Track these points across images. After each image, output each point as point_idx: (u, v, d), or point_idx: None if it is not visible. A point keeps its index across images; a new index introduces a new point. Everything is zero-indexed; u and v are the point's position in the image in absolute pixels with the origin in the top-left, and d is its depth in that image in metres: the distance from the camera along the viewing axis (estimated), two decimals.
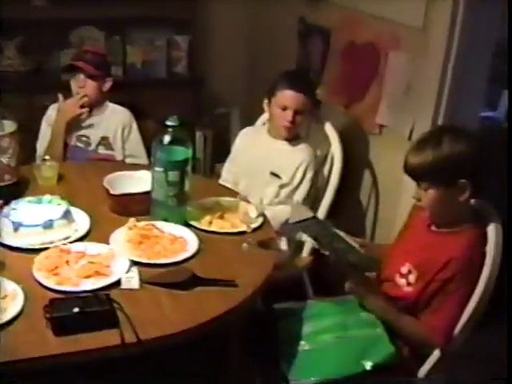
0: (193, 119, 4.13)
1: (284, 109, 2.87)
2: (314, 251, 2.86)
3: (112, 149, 3.13)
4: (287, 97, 2.86)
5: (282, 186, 2.92)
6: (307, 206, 2.69)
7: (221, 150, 3.24)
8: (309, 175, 2.91)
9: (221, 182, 3.03)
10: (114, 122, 3.13)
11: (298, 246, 3.00)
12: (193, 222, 2.33)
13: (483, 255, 2.05)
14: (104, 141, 3.12)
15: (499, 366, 3.23)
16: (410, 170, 2.09)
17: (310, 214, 2.15)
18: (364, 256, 2.14)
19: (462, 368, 3.16)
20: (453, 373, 2.97)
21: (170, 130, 2.25)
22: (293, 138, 2.96)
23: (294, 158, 2.92)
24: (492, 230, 2.07)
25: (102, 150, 3.12)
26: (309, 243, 2.19)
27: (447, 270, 2.01)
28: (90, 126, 3.10)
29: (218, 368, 2.26)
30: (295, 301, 2.37)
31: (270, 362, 2.11)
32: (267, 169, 2.95)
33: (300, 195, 2.90)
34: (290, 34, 3.84)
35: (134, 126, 3.17)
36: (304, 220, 2.13)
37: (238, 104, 4.30)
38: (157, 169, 2.27)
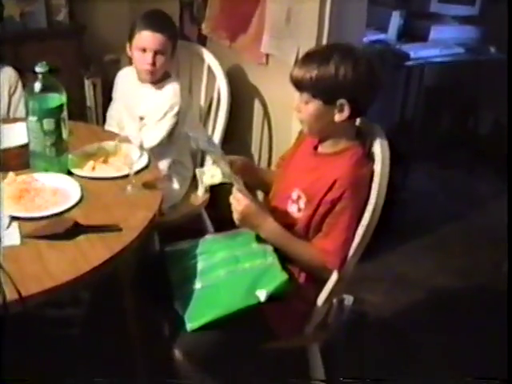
0: (80, 68, 4.01)
1: (144, 51, 2.77)
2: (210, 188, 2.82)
3: None
4: (145, 38, 2.77)
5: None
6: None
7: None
8: (169, 115, 2.81)
9: (106, 127, 2.94)
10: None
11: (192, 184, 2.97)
12: (75, 170, 2.25)
13: (371, 173, 2.03)
14: None
15: (409, 288, 3.33)
16: (293, 80, 2.06)
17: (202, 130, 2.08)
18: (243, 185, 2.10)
19: (371, 291, 3.24)
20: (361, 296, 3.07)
21: (40, 76, 2.13)
22: (159, 80, 2.86)
23: (158, 102, 2.84)
24: (378, 147, 2.04)
25: None
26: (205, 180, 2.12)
27: (334, 191, 1.99)
28: None
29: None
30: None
31: (168, 305, 2.07)
32: (136, 113, 2.88)
33: (158, 134, 2.82)
34: None
35: (20, 84, 3.03)
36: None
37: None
38: (31, 118, 2.16)
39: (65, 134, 2.21)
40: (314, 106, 2.03)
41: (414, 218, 3.95)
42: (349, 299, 2.73)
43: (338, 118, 2.01)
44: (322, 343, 2.29)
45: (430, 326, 3.07)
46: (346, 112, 2.00)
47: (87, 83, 4.03)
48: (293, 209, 2.13)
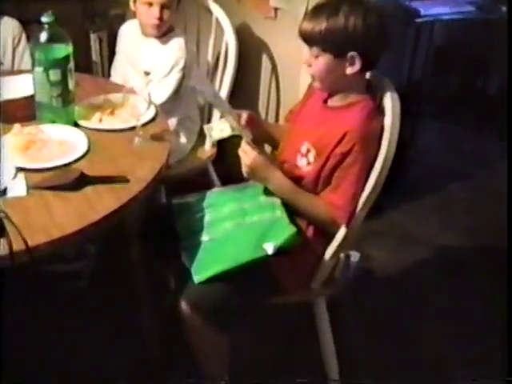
0: (85, 22, 3.97)
1: (150, 5, 2.72)
2: (217, 142, 2.80)
3: (1, 63, 2.95)
4: None
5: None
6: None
7: None
8: (175, 70, 2.78)
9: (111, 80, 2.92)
10: (2, 35, 2.93)
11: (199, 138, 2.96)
12: (82, 122, 2.22)
13: (381, 128, 2.00)
14: None
15: (414, 245, 3.33)
16: (302, 34, 2.02)
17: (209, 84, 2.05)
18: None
19: (376, 247, 3.24)
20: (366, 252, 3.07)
21: (46, 26, 2.11)
22: (163, 34, 2.82)
23: (163, 56, 2.80)
24: (388, 101, 2.01)
25: None
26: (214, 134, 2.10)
27: (344, 144, 1.97)
28: None
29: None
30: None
31: (175, 257, 2.07)
32: (141, 68, 2.85)
33: (165, 90, 2.79)
34: None
35: (24, 36, 2.99)
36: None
37: None
38: (37, 69, 2.13)
39: (71, 85, 2.19)
40: (324, 59, 2.00)
41: (420, 175, 3.94)
42: (355, 255, 2.74)
43: (349, 70, 1.98)
44: (328, 298, 2.28)
45: (434, 284, 3.07)
46: (358, 65, 1.97)
47: (93, 37, 3.98)
48: (302, 162, 2.11)
